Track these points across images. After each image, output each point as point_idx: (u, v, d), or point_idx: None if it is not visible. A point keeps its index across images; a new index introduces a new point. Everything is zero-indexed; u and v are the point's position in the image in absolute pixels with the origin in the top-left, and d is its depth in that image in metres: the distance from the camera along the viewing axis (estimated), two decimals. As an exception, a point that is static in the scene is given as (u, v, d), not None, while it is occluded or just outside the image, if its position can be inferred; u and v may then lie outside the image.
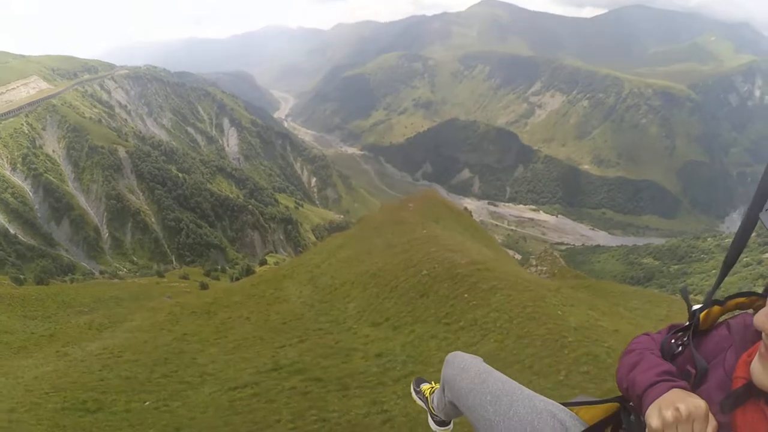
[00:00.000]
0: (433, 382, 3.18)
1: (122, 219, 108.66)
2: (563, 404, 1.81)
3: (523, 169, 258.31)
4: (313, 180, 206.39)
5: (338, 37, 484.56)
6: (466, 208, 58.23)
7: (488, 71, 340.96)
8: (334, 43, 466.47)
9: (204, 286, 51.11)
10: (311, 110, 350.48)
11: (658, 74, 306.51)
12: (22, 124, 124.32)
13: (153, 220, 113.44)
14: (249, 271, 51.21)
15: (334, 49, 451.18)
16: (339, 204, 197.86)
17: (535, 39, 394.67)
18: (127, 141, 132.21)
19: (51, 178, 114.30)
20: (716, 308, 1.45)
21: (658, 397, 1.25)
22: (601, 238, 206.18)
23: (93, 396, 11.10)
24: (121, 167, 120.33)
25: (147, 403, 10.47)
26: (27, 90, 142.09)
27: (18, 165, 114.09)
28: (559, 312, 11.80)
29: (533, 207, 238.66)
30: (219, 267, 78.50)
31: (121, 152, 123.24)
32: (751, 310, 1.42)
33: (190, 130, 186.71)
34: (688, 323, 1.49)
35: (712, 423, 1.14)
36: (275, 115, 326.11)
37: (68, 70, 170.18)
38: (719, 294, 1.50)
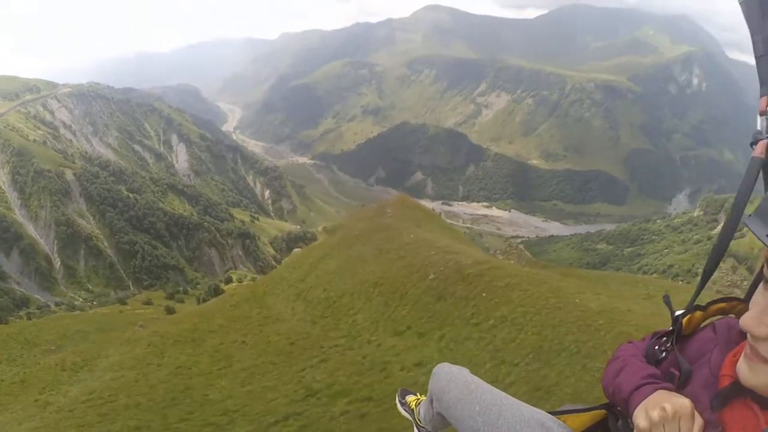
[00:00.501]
0: (418, 394, 3.18)
1: (74, 246, 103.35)
2: (551, 413, 1.82)
3: (474, 168, 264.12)
4: (267, 192, 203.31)
5: (284, 47, 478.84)
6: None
7: (434, 75, 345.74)
8: (280, 53, 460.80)
9: (170, 311, 49.52)
10: (259, 121, 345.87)
11: (599, 69, 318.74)
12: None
13: (106, 244, 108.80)
14: (217, 291, 49.56)
15: (279, 58, 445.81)
16: (294, 214, 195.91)
17: (479, 42, 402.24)
18: (74, 163, 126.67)
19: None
20: (698, 313, 1.49)
21: (644, 399, 1.29)
22: (555, 228, 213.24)
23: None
24: (69, 191, 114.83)
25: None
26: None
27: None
28: (576, 300, 12.24)
29: (486, 204, 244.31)
30: (181, 289, 76.12)
31: (69, 175, 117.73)
32: (732, 315, 1.46)
33: (138, 147, 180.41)
34: (671, 328, 1.54)
35: (698, 421, 1.17)
36: (223, 128, 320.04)
37: (9, 90, 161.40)
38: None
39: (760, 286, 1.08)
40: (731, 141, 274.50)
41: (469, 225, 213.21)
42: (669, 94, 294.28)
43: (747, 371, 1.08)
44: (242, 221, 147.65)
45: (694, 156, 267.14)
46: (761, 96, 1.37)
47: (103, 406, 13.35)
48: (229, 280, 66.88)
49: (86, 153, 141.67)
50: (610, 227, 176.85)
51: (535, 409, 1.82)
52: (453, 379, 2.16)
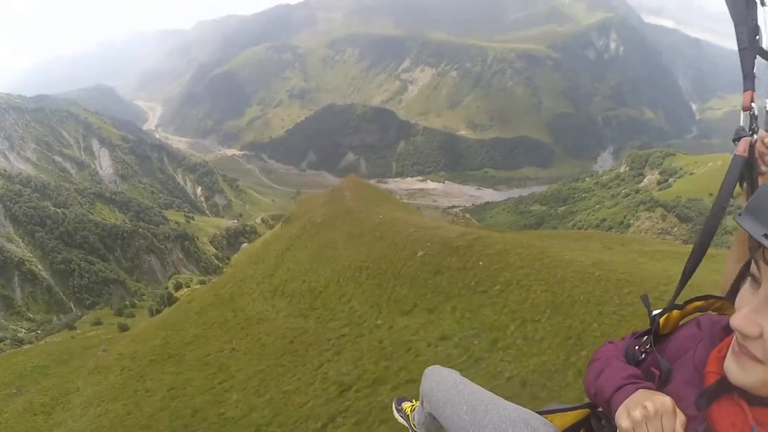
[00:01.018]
0: (414, 401, 3.30)
1: (7, 273, 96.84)
2: (537, 412, 1.85)
3: (404, 144, 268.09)
4: (199, 189, 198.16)
5: (201, 36, 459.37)
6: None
7: (358, 53, 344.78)
8: (198, 42, 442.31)
9: (123, 328, 48.08)
10: (182, 116, 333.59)
11: (520, 39, 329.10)
12: None
13: (40, 267, 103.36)
14: (170, 299, 47.95)
15: (197, 48, 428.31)
16: (230, 209, 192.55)
17: (401, 17, 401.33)
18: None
19: None
20: (676, 312, 1.50)
21: (625, 399, 1.29)
22: (488, 195, 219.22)
23: None
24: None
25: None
26: None
27: None
28: (566, 256, 12.89)
29: (420, 178, 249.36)
30: (128, 302, 73.40)
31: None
32: (711, 312, 1.47)
33: (58, 158, 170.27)
34: (648, 328, 1.55)
35: (680, 417, 1.18)
36: (144, 127, 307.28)
37: None
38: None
39: (747, 283, 1.09)
40: (650, 100, 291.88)
41: (406, 200, 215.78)
42: (588, 60, 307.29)
43: (737, 370, 1.09)
44: (177, 223, 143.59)
45: (615, 116, 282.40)
46: (744, 90, 1.33)
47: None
48: (179, 286, 64.81)
49: (5, 171, 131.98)
50: (540, 189, 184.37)
51: (521, 408, 1.87)
52: (442, 380, 2.22)
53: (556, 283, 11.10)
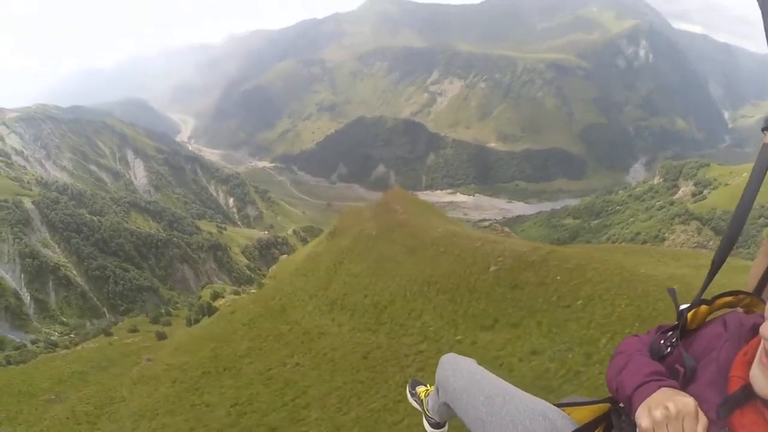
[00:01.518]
0: (428, 385, 3.22)
1: (42, 278, 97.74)
2: (555, 405, 1.83)
3: (434, 156, 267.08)
4: (231, 200, 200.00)
5: (230, 50, 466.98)
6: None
7: (386, 67, 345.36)
8: (228, 57, 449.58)
9: (161, 336, 47.75)
10: (214, 129, 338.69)
11: (548, 48, 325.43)
12: None
13: (75, 272, 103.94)
14: (210, 309, 47.66)
15: (228, 63, 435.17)
16: (261, 220, 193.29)
17: (428, 30, 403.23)
18: (31, 190, 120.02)
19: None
20: (704, 308, 1.45)
21: (646, 398, 1.26)
22: (519, 209, 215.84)
23: None
24: (30, 220, 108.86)
25: None
26: None
27: None
28: (642, 270, 12.69)
29: (450, 191, 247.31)
30: (163, 311, 73.55)
31: (27, 203, 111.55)
32: (739, 309, 1.43)
33: (93, 168, 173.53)
34: (676, 323, 1.51)
35: (703, 420, 1.14)
36: (177, 139, 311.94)
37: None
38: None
39: None
40: (682, 108, 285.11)
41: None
42: (618, 68, 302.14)
43: (763, 380, 1.05)
44: (210, 233, 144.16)
45: (647, 126, 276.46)
46: None
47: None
48: (216, 296, 64.72)
49: (42, 178, 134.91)
50: (573, 202, 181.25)
51: (539, 400, 1.86)
52: (459, 369, 2.20)
53: (638, 297, 11.11)
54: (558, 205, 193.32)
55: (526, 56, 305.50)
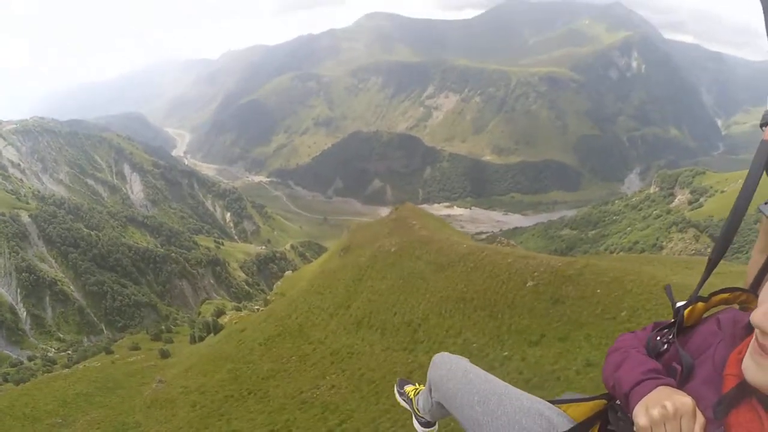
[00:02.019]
0: (416, 384, 3.24)
1: (39, 293, 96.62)
2: (551, 402, 1.82)
3: (430, 170, 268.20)
4: (228, 215, 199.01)
5: (228, 65, 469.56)
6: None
7: (381, 82, 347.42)
8: (225, 71, 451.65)
9: (165, 354, 46.74)
10: (210, 143, 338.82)
11: (541, 62, 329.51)
12: None
13: (72, 288, 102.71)
14: (216, 327, 46.71)
15: (224, 77, 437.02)
16: (258, 235, 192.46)
17: (422, 45, 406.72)
18: (28, 203, 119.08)
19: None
20: (700, 305, 1.45)
21: (644, 396, 1.25)
22: (516, 220, 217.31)
23: None
24: (26, 234, 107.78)
25: None
26: None
27: None
28: (673, 280, 12.66)
29: (447, 204, 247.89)
30: (163, 327, 72.46)
31: (24, 217, 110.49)
32: (736, 305, 1.43)
33: (90, 181, 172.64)
34: (672, 320, 1.50)
35: (700, 419, 1.14)
36: (173, 154, 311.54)
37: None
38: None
39: None
40: (674, 118, 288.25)
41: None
42: (610, 80, 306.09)
43: (755, 369, 1.05)
44: (207, 248, 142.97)
45: (641, 136, 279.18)
46: None
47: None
48: (220, 313, 63.69)
49: (39, 192, 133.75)
50: (569, 213, 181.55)
51: (534, 398, 1.84)
52: (452, 369, 2.18)
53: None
54: (554, 216, 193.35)
55: (519, 70, 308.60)
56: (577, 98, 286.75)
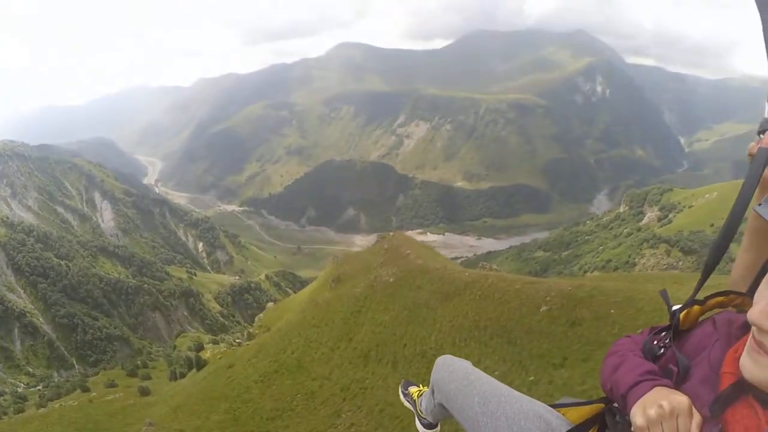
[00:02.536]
0: (420, 385, 3.33)
1: (7, 325, 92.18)
2: (550, 405, 1.84)
3: (403, 197, 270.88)
4: (200, 245, 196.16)
5: (200, 93, 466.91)
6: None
7: (353, 111, 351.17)
8: (197, 99, 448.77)
9: (145, 391, 45.19)
10: (181, 172, 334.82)
11: (509, 89, 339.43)
12: None
13: (41, 320, 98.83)
14: (199, 363, 45.44)
15: (197, 105, 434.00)
16: (232, 265, 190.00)
17: (393, 75, 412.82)
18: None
19: None
20: (696, 308, 1.47)
21: (641, 397, 1.27)
22: (489, 245, 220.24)
23: None
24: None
25: None
26: None
27: None
28: (681, 295, 12.56)
29: (420, 231, 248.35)
30: (139, 362, 70.32)
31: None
32: (730, 308, 1.45)
33: (60, 209, 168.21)
34: (668, 324, 1.52)
35: (696, 417, 1.15)
36: (144, 181, 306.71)
37: None
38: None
39: (766, 278, 1.08)
40: (639, 138, 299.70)
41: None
42: (576, 104, 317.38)
43: (753, 366, 1.06)
44: (180, 279, 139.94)
45: (607, 157, 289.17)
46: None
47: None
48: (200, 347, 62.13)
49: (8, 218, 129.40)
50: (541, 235, 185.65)
51: (534, 401, 1.87)
52: (454, 371, 2.22)
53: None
54: (527, 239, 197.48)
55: (488, 97, 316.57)
56: (545, 123, 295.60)
